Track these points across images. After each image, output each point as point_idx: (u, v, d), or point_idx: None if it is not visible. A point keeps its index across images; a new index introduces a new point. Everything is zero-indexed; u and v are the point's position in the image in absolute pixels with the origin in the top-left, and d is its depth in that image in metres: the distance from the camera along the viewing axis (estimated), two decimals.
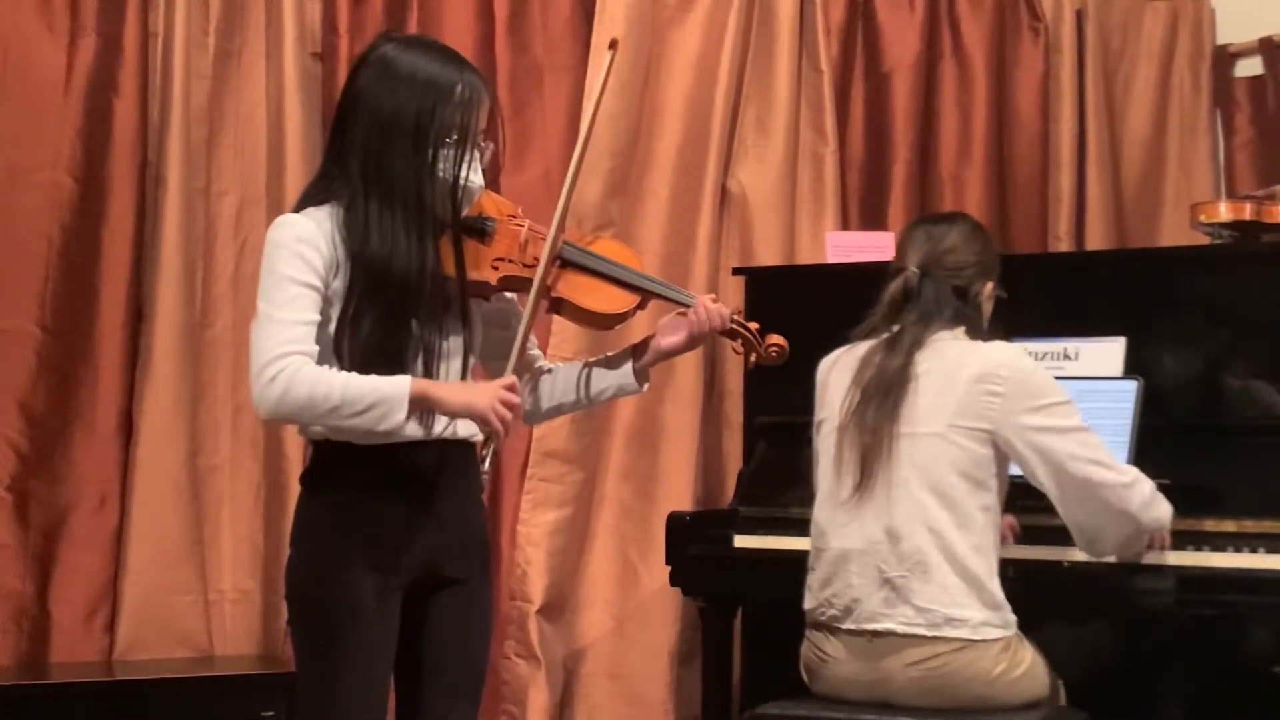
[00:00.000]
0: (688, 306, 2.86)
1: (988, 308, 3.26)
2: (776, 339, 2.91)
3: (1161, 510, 3.18)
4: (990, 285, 3.26)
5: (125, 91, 4.22)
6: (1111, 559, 3.24)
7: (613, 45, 2.95)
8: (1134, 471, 3.15)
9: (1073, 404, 3.13)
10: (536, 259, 2.75)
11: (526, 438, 4.52)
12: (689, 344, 2.88)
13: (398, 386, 2.54)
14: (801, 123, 4.80)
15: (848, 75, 4.91)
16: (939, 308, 3.18)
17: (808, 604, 3.24)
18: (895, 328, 3.20)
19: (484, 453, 2.65)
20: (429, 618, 2.71)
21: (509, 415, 2.59)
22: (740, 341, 2.90)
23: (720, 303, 2.88)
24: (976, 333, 3.19)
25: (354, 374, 2.55)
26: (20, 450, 4.14)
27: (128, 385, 4.22)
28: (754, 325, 2.91)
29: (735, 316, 2.90)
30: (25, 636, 4.12)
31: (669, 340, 2.87)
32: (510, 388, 2.61)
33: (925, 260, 3.20)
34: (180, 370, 4.25)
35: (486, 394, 2.59)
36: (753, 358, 2.92)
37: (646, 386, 2.90)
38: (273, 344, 2.54)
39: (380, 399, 2.53)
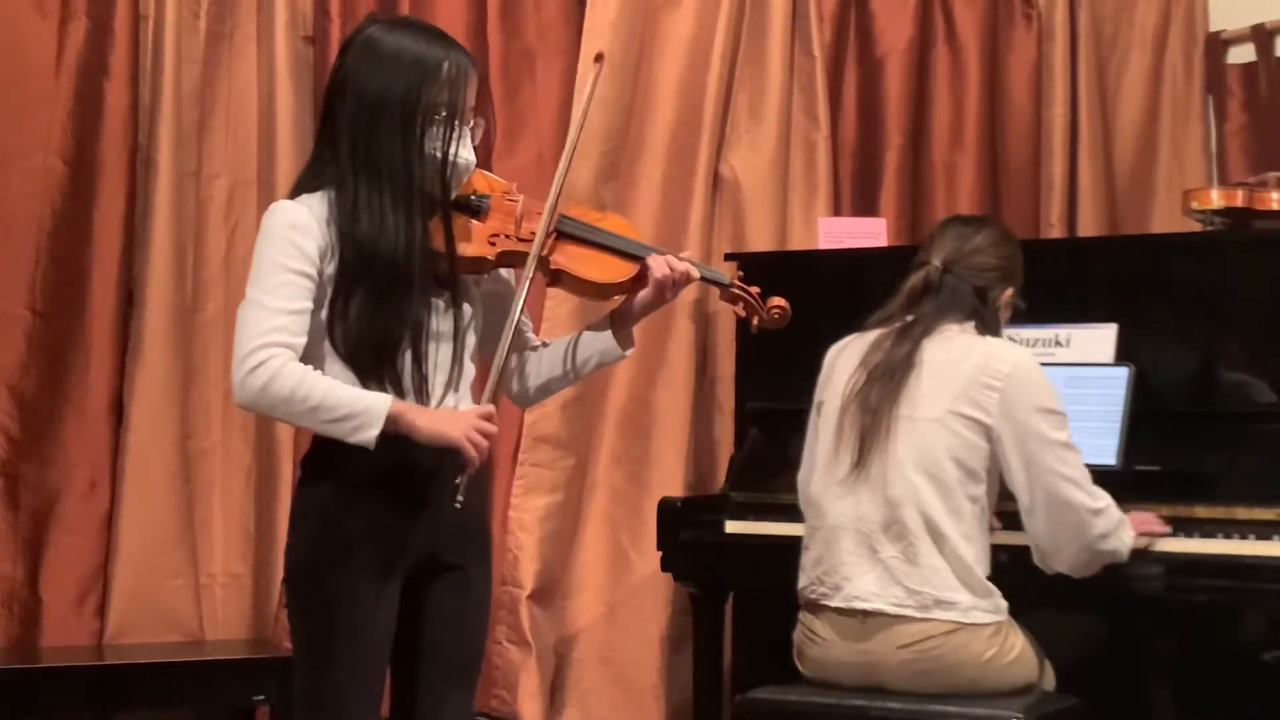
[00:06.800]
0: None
1: (1005, 314, 3.29)
2: (778, 301, 2.91)
3: (1122, 542, 3.16)
4: (1010, 292, 3.28)
5: (116, 75, 4.21)
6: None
7: (599, 59, 2.91)
8: (1105, 499, 3.14)
9: (1065, 417, 3.14)
10: (532, 233, 2.74)
11: (518, 423, 4.51)
12: (657, 294, 2.80)
13: (378, 403, 2.53)
14: (794, 108, 4.79)
15: (840, 61, 4.91)
16: (956, 304, 3.21)
17: (800, 583, 3.25)
18: (909, 318, 3.22)
19: (458, 480, 2.59)
20: (427, 604, 2.70)
21: (484, 444, 2.56)
22: (741, 305, 2.91)
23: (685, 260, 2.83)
24: (987, 332, 3.21)
25: (338, 382, 2.55)
26: (10, 434, 4.12)
27: (118, 369, 4.21)
28: (755, 289, 2.91)
29: (735, 281, 2.91)
30: (16, 620, 4.11)
31: (640, 294, 2.80)
32: (487, 416, 2.58)
33: (950, 257, 3.24)
34: (171, 354, 4.24)
35: (461, 423, 2.57)
36: (755, 321, 2.92)
37: (630, 351, 2.86)
38: (257, 331, 2.53)
39: (358, 411, 2.52)
